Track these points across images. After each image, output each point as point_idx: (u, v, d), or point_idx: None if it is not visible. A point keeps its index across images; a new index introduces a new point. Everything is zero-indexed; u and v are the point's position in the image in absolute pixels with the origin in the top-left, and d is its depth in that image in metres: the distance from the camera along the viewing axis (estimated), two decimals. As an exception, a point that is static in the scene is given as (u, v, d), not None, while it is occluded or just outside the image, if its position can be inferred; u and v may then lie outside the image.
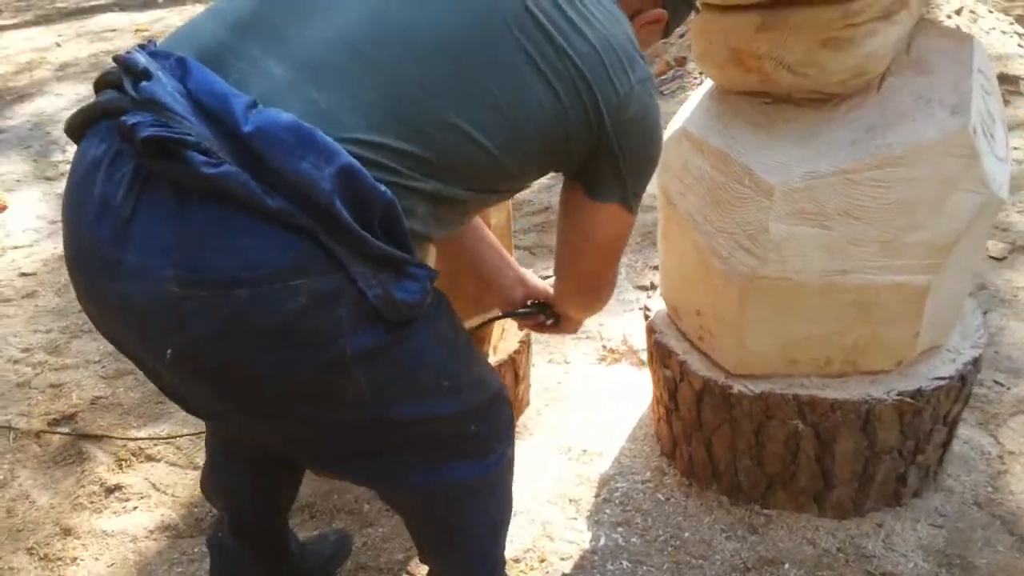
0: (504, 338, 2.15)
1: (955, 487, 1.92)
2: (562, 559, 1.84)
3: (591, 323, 2.59)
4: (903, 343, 1.69)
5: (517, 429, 2.19)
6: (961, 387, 1.76)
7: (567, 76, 1.09)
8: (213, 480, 1.57)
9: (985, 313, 1.95)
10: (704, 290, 1.79)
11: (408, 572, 1.84)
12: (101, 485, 2.17)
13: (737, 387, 1.77)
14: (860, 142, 1.60)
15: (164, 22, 7.27)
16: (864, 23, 1.53)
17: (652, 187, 1.46)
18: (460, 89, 1.04)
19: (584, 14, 1.12)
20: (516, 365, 2.11)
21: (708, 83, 1.90)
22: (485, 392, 1.25)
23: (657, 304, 2.06)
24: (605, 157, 1.19)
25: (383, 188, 0.96)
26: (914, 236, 1.58)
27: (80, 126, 1.06)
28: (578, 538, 1.89)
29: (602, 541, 1.87)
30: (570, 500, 1.99)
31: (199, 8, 7.58)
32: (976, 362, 1.78)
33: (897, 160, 1.57)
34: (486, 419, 1.26)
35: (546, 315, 1.63)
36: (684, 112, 1.91)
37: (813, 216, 1.60)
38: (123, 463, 2.26)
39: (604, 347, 2.58)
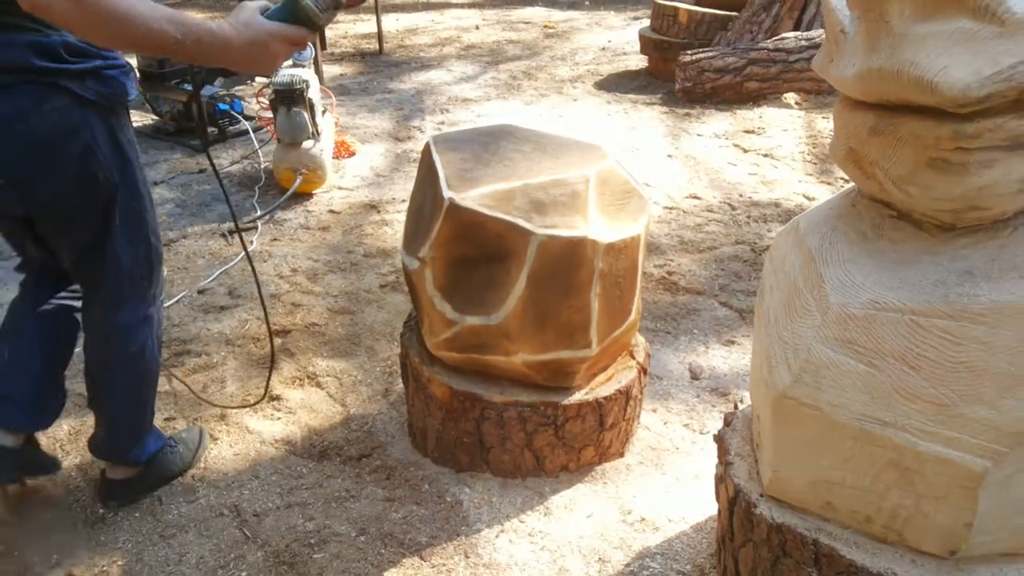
0: (605, 383, 2.15)
1: None
2: (551, 606, 1.84)
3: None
4: (953, 530, 1.41)
5: (592, 474, 2.20)
6: (1034, 614, 1.42)
7: None
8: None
9: None
10: (759, 395, 1.65)
11: (421, 556, 1.98)
12: (268, 392, 2.60)
13: (762, 508, 1.61)
14: (946, 284, 1.36)
15: (573, 22, 7.88)
16: (980, 149, 1.30)
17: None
18: None
19: None
20: (602, 410, 2.11)
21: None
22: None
23: (753, 398, 1.92)
24: None
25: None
26: (975, 410, 1.31)
27: None
28: (580, 595, 1.87)
29: (599, 608, 1.83)
30: (599, 558, 1.96)
31: (610, 15, 8.07)
32: (1070, 594, 1.42)
33: (976, 316, 1.31)
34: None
35: None
36: (815, 207, 1.74)
37: (864, 351, 1.40)
38: (296, 381, 2.67)
39: (747, 430, 2.42)
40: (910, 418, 1.37)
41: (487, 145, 2.11)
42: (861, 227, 1.55)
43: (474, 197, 1.90)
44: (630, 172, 2.09)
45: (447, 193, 1.91)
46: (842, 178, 4.21)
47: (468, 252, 1.96)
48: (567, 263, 1.92)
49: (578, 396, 2.09)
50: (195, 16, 1.43)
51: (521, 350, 2.00)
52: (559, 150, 2.11)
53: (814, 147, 4.64)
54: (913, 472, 1.40)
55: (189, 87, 4.62)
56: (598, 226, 1.95)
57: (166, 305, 3.11)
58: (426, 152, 2.12)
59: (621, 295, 2.05)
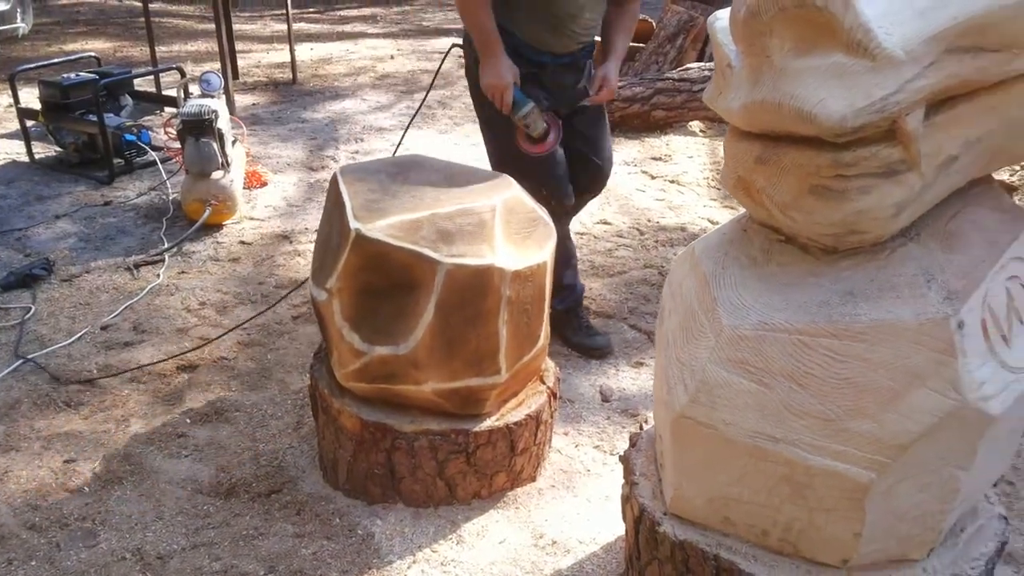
0: (515, 409, 2.17)
1: None
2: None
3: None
4: (844, 540, 1.47)
5: (505, 499, 2.21)
6: (920, 616, 1.49)
7: None
8: None
9: (1003, 545, 1.60)
10: (660, 416, 1.70)
11: (333, 591, 1.95)
12: (174, 429, 2.53)
13: (665, 526, 1.65)
14: (830, 305, 1.43)
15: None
16: (857, 176, 1.37)
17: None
18: None
19: None
20: (513, 436, 2.13)
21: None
22: None
23: (658, 419, 1.97)
24: None
25: None
26: (859, 424, 1.38)
27: None
28: (493, 622, 1.87)
29: (512, 634, 1.83)
30: (512, 584, 1.97)
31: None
32: (953, 595, 1.49)
33: (857, 334, 1.38)
34: None
35: None
36: (709, 233, 1.81)
37: (755, 370, 1.46)
38: (204, 417, 2.61)
39: (656, 451, 2.47)
40: (799, 434, 1.43)
41: (395, 176, 2.13)
42: (752, 251, 1.62)
43: (381, 228, 1.91)
44: (535, 201, 2.13)
45: (353, 224, 1.91)
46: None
47: (375, 282, 1.97)
48: (474, 291, 1.94)
49: (489, 423, 2.10)
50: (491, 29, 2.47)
51: (431, 379, 2.01)
52: (467, 180, 2.14)
53: (717, 173, 4.80)
54: (804, 486, 1.45)
55: (94, 118, 4.50)
56: (504, 254, 1.97)
57: (67, 343, 3.01)
58: (334, 183, 2.12)
59: (529, 322, 2.08)
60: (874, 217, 1.40)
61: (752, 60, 1.43)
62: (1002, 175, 4.30)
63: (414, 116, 3.42)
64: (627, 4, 2.76)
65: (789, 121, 1.36)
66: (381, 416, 2.08)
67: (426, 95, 3.39)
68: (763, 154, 1.48)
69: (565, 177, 2.75)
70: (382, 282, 1.96)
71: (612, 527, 2.13)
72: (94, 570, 2.02)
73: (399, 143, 3.11)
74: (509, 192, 2.08)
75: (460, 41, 2.85)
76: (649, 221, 4.14)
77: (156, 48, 6.00)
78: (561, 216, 2.74)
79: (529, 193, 2.20)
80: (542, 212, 2.13)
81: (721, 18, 1.57)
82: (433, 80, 3.22)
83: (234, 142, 4.14)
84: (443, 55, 2.88)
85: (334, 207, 2.08)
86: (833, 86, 1.31)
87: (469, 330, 1.97)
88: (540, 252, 2.07)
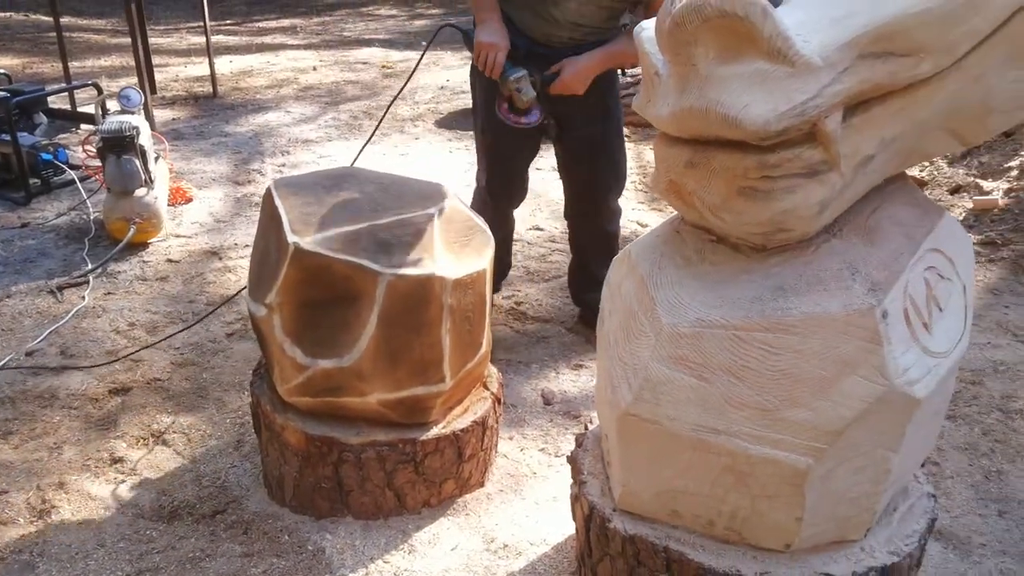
0: (460, 416, 2.19)
1: None
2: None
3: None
4: (786, 525, 1.54)
5: (454, 506, 2.22)
6: (859, 593, 1.56)
7: None
8: None
9: (933, 521, 1.70)
10: (605, 415, 1.74)
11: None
12: (110, 455, 2.47)
13: (615, 522, 1.69)
14: (762, 300, 1.50)
15: (409, 63, 7.98)
16: (782, 177, 1.44)
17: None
18: None
19: None
20: (460, 443, 2.15)
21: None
22: None
23: (602, 419, 2.01)
24: None
25: None
26: (795, 413, 1.45)
27: None
28: (448, 628, 1.88)
29: (467, 639, 1.85)
30: (465, 589, 1.99)
31: (447, 55, 8.23)
32: (888, 571, 1.57)
33: (789, 327, 1.45)
34: None
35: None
36: (644, 235, 1.87)
37: (695, 366, 1.52)
38: (140, 441, 2.55)
39: (599, 450, 2.52)
40: (740, 425, 1.49)
41: (330, 188, 2.13)
42: (686, 252, 1.67)
43: (319, 240, 1.91)
44: (472, 209, 2.16)
45: (291, 238, 1.91)
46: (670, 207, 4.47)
47: (316, 295, 1.96)
48: (416, 301, 1.95)
49: (435, 431, 2.12)
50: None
51: (375, 390, 2.01)
52: (401, 190, 2.15)
53: (644, 177, 4.90)
54: (747, 475, 1.52)
55: (7, 137, 4.35)
56: (444, 263, 2.00)
57: (-11, 371, 2.91)
58: (268, 197, 2.11)
59: (471, 329, 2.11)
60: (799, 215, 1.47)
61: (679, 68, 1.48)
62: (913, 172, 4.51)
63: (381, 120, 3.27)
64: (646, 12, 2.64)
65: (716, 126, 1.42)
66: (326, 430, 2.08)
67: (404, 85, 3.34)
68: (693, 158, 1.54)
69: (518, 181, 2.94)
70: (323, 295, 1.96)
71: (561, 527, 2.17)
72: (34, 604, 1.96)
73: (357, 155, 3.01)
74: (445, 201, 2.10)
75: (454, 21, 2.89)
76: (580, 225, 4.21)
77: (69, 64, 5.81)
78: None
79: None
80: (479, 220, 2.16)
81: (647, 28, 1.62)
82: (418, 62, 3.04)
83: (156, 158, 4.05)
84: (434, 33, 2.81)
85: (270, 221, 2.07)
86: (756, 91, 1.37)
87: (413, 339, 1.99)
88: (479, 259, 2.10)
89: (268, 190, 2.12)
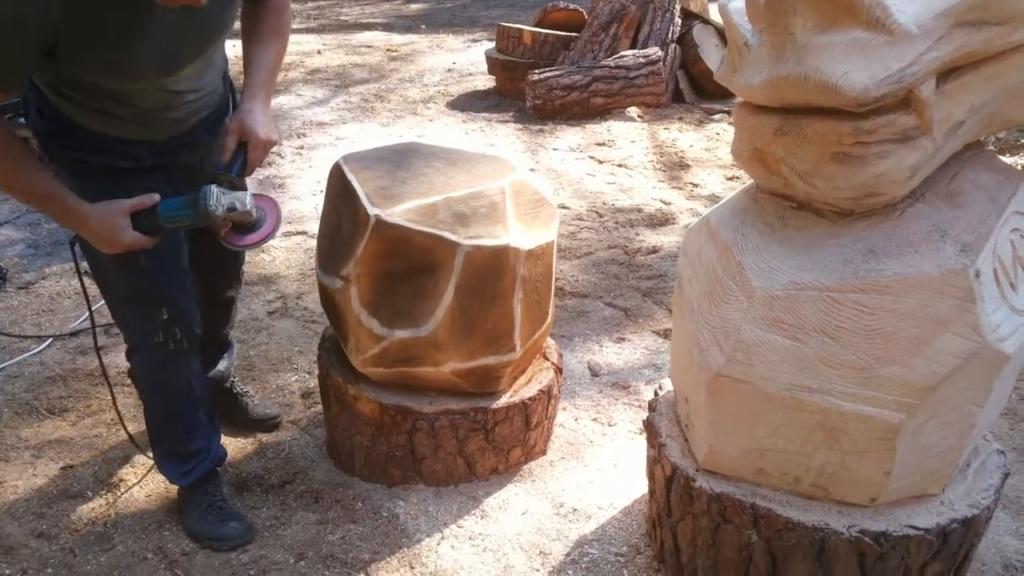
0: (526, 385, 2.24)
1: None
2: (505, 603, 1.90)
3: (649, 391, 2.60)
4: (874, 480, 1.60)
5: (521, 473, 2.27)
6: (942, 544, 1.62)
7: None
8: None
9: (1006, 476, 1.77)
10: (689, 378, 1.79)
11: (367, 573, 1.98)
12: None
13: (700, 482, 1.75)
14: (854, 262, 1.55)
15: (413, 46, 7.97)
16: (876, 143, 1.49)
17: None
18: None
19: None
20: (528, 411, 2.19)
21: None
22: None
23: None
24: None
25: None
26: (889, 370, 1.50)
27: None
28: (530, 589, 1.94)
29: (550, 598, 1.91)
30: (540, 552, 2.04)
31: (449, 38, 8.24)
32: (969, 523, 1.64)
33: (884, 288, 1.50)
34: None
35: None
36: (720, 204, 1.92)
37: (788, 327, 1.57)
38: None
39: (652, 420, 2.58)
40: (833, 383, 1.54)
41: (399, 163, 2.16)
42: (767, 218, 1.72)
43: (399, 213, 1.94)
44: (538, 182, 2.20)
45: (372, 210, 1.94)
46: (691, 183, 4.53)
47: (394, 267, 2.00)
48: (492, 271, 1.99)
49: (505, 399, 2.17)
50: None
51: (450, 359, 2.06)
52: (469, 164, 2.19)
53: (660, 156, 4.95)
54: (839, 431, 1.57)
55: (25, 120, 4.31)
56: (518, 234, 2.04)
57: (36, 350, 2.93)
58: (337, 172, 2.13)
59: (539, 299, 2.15)
60: (892, 180, 1.52)
61: (774, 38, 1.53)
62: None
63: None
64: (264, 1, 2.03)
65: (815, 93, 1.46)
66: (400, 399, 2.12)
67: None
68: (783, 126, 1.59)
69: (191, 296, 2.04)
70: (401, 266, 1.99)
71: (626, 492, 2.22)
72: (117, 572, 1.99)
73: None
74: (514, 175, 2.14)
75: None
76: (605, 204, 4.26)
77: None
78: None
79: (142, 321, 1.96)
80: (545, 193, 2.20)
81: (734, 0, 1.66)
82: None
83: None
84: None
85: (340, 195, 2.10)
86: (855, 59, 1.42)
87: (487, 309, 2.03)
88: (548, 231, 2.14)
89: (337, 165, 2.14)
